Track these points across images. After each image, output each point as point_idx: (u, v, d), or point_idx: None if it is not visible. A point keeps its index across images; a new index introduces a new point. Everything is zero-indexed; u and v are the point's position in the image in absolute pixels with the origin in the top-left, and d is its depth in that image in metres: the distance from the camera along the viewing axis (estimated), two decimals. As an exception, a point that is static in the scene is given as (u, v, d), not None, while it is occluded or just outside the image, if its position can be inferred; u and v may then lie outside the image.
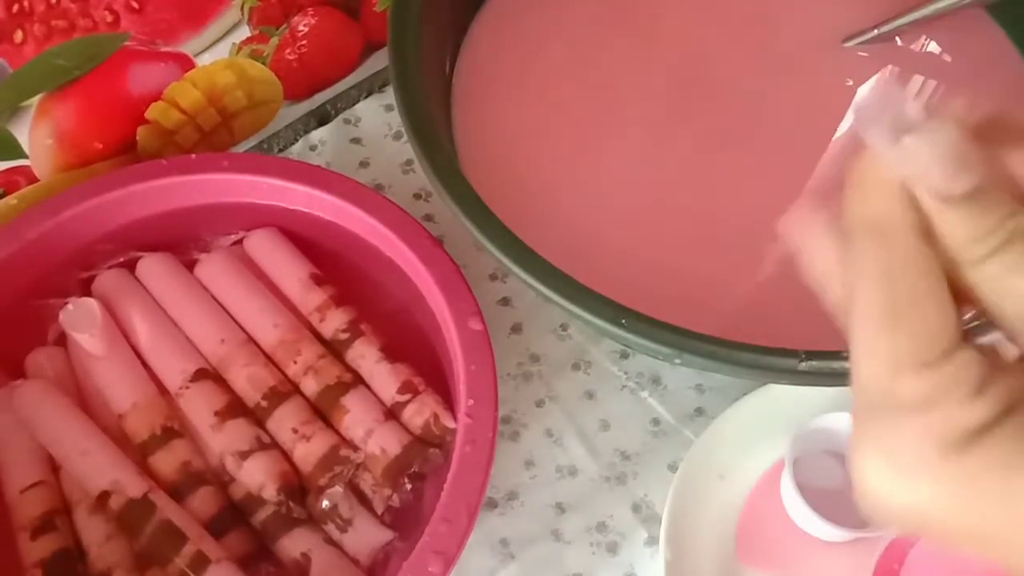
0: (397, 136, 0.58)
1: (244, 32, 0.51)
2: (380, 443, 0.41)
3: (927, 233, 0.18)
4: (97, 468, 0.40)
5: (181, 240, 0.48)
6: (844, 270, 0.18)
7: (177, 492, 0.41)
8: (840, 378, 0.36)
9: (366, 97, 0.60)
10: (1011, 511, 0.16)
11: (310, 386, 0.44)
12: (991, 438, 0.17)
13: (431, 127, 0.42)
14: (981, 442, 0.17)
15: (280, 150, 0.58)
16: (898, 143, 0.17)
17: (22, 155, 0.46)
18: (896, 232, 0.18)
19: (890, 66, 0.52)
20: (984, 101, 0.18)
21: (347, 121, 0.58)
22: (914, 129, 0.17)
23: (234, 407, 0.43)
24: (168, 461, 0.41)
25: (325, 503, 0.41)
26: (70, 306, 0.43)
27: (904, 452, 0.17)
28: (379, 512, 0.41)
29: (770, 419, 0.45)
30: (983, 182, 0.17)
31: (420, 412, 0.42)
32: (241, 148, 0.57)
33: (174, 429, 0.42)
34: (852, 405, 0.19)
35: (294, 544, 0.40)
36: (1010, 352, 0.18)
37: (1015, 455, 0.16)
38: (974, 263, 0.17)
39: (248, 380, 0.43)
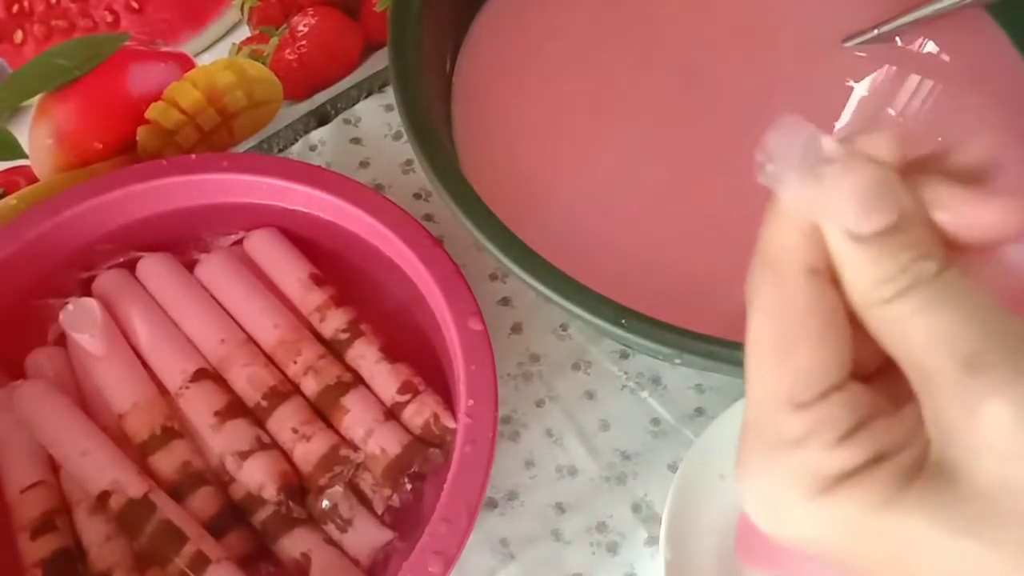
0: (397, 136, 0.58)
1: (244, 32, 0.51)
2: (380, 443, 0.41)
3: (831, 272, 0.18)
4: (97, 468, 0.40)
5: (181, 240, 0.48)
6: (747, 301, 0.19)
7: (177, 492, 0.41)
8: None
9: (366, 97, 0.60)
10: (882, 549, 0.16)
11: (310, 386, 0.44)
12: (853, 484, 0.16)
13: (431, 127, 0.42)
14: (843, 487, 0.16)
15: (280, 150, 0.58)
16: (807, 180, 0.17)
17: (22, 155, 0.46)
18: (789, 271, 0.18)
19: (886, 66, 0.52)
20: (917, 133, 0.18)
21: (347, 121, 0.58)
22: (826, 165, 0.17)
23: (234, 407, 0.43)
24: (168, 461, 0.41)
25: (325, 503, 0.41)
26: (70, 306, 0.43)
27: (775, 488, 0.17)
28: (379, 512, 0.41)
29: None
30: (899, 221, 0.16)
31: (420, 412, 0.42)
32: (241, 148, 0.57)
33: (174, 429, 0.42)
34: (742, 426, 0.19)
35: (294, 544, 0.40)
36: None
37: (876, 503, 0.16)
38: (879, 304, 0.17)
39: (248, 380, 0.43)
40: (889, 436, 0.17)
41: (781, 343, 0.17)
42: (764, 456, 0.18)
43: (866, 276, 0.17)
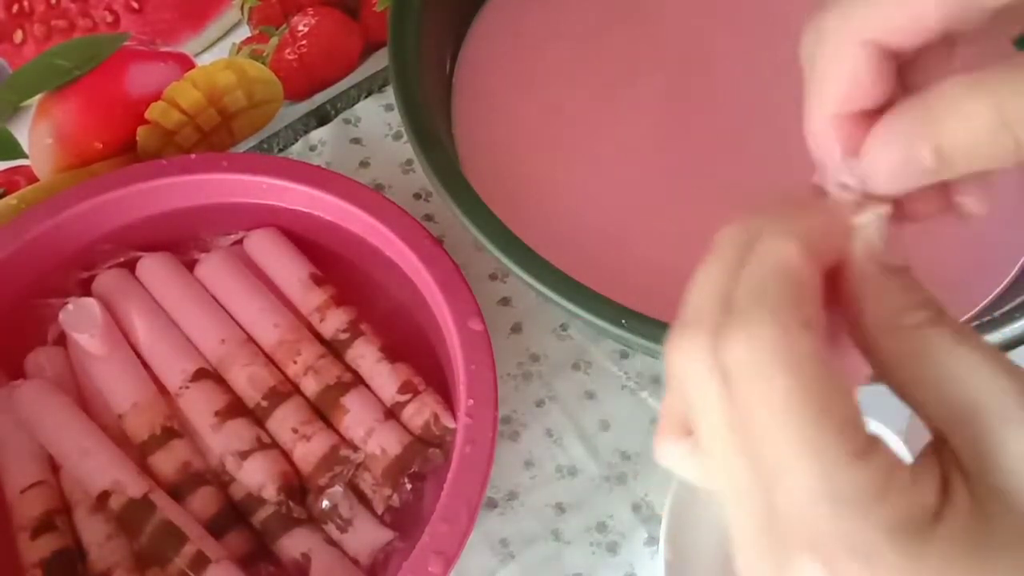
0: (397, 136, 0.58)
1: (244, 32, 0.51)
2: (380, 443, 0.41)
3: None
4: (97, 468, 0.40)
5: (181, 240, 0.48)
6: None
7: (177, 492, 0.41)
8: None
9: (366, 97, 0.60)
10: None
11: (310, 386, 0.44)
12: (944, 519, 0.15)
13: (431, 127, 0.42)
14: (938, 525, 0.15)
15: (280, 150, 0.58)
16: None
17: (22, 155, 0.46)
18: (791, 333, 0.17)
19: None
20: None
21: (347, 121, 0.58)
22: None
23: (234, 407, 0.43)
24: (168, 461, 0.41)
25: (325, 503, 0.41)
26: (70, 306, 0.43)
27: (870, 554, 0.15)
28: (379, 512, 0.41)
29: None
30: (902, 264, 0.17)
31: (420, 412, 0.42)
32: (241, 148, 0.57)
33: (174, 429, 0.42)
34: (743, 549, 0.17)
35: (294, 544, 0.40)
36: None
37: (968, 534, 0.15)
38: (909, 330, 0.17)
39: (248, 380, 0.43)
40: (927, 482, 0.16)
41: (820, 401, 0.16)
42: (830, 531, 0.15)
43: (896, 303, 0.17)
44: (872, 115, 0.18)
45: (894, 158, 0.17)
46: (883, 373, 0.18)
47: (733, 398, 0.16)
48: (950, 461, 0.16)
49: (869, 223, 0.18)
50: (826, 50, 0.19)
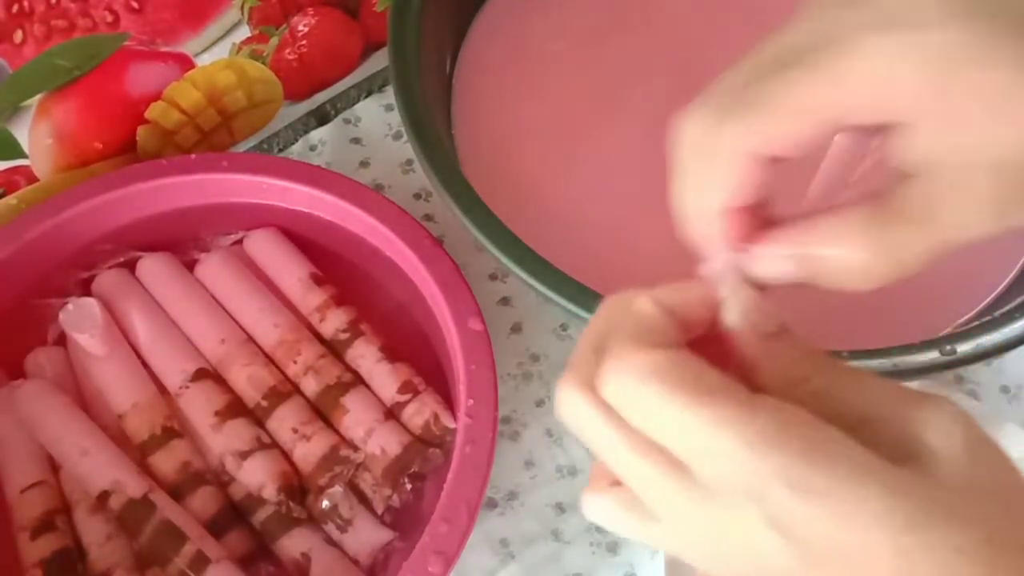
0: (397, 136, 0.58)
1: (244, 32, 0.51)
2: (380, 443, 0.41)
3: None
4: (97, 468, 0.40)
5: (181, 240, 0.48)
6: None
7: (177, 492, 0.41)
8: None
9: (366, 97, 0.60)
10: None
11: (310, 386, 0.44)
12: (854, 457, 0.18)
13: (431, 127, 0.42)
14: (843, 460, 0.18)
15: (280, 150, 0.58)
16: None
17: (22, 155, 0.46)
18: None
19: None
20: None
21: (347, 121, 0.58)
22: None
23: (234, 407, 0.43)
24: (168, 461, 0.41)
25: (325, 503, 0.41)
26: (70, 306, 0.43)
27: (765, 470, 0.18)
28: (379, 512, 0.41)
29: None
30: (784, 326, 0.20)
31: (420, 412, 0.42)
32: (241, 148, 0.57)
33: (174, 429, 0.42)
34: None
35: (294, 544, 0.40)
36: None
37: (880, 472, 0.18)
38: (801, 383, 0.19)
39: (248, 380, 0.43)
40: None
41: (692, 382, 0.19)
42: None
43: (780, 365, 0.19)
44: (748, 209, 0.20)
45: (780, 269, 0.20)
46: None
47: (627, 423, 0.19)
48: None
49: (736, 299, 0.20)
50: (714, 155, 0.20)
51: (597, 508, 0.21)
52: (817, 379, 0.19)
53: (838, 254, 0.19)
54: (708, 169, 0.20)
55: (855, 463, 0.17)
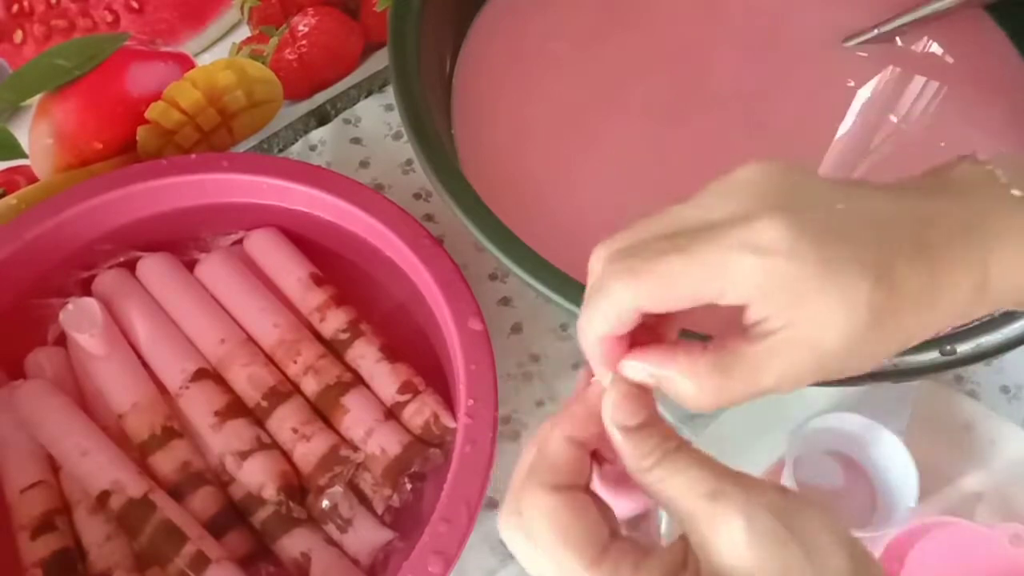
0: (397, 136, 0.58)
1: (244, 32, 0.51)
2: (380, 443, 0.41)
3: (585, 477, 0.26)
4: (97, 468, 0.40)
5: (181, 240, 0.48)
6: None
7: (177, 492, 0.41)
8: (840, 379, 0.36)
9: (366, 97, 0.60)
10: None
11: (310, 386, 0.44)
12: None
13: (431, 127, 0.42)
14: None
15: (280, 150, 0.58)
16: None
17: (22, 155, 0.46)
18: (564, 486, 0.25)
19: (890, 66, 0.52)
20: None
21: (347, 121, 0.58)
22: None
23: (234, 407, 0.43)
24: (168, 461, 0.41)
25: (325, 503, 0.41)
26: (70, 306, 0.43)
27: None
28: (379, 512, 0.41)
29: (770, 419, 0.45)
30: (646, 419, 0.25)
31: (420, 412, 0.42)
32: (241, 148, 0.57)
33: (174, 429, 0.42)
34: None
35: (294, 544, 0.40)
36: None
37: None
38: (647, 471, 0.24)
39: (248, 380, 0.43)
40: (668, 560, 0.23)
41: (564, 535, 0.24)
42: None
43: (632, 454, 0.24)
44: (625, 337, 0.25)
45: (641, 378, 0.26)
46: (648, 494, 0.25)
47: (533, 543, 0.24)
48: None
49: (606, 402, 0.25)
50: (602, 298, 0.24)
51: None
52: (655, 471, 0.24)
53: (681, 384, 0.24)
54: (597, 306, 0.24)
55: None
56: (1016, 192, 0.24)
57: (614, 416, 0.25)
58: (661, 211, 0.25)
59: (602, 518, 0.24)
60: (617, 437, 0.25)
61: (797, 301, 0.22)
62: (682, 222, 0.24)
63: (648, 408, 0.25)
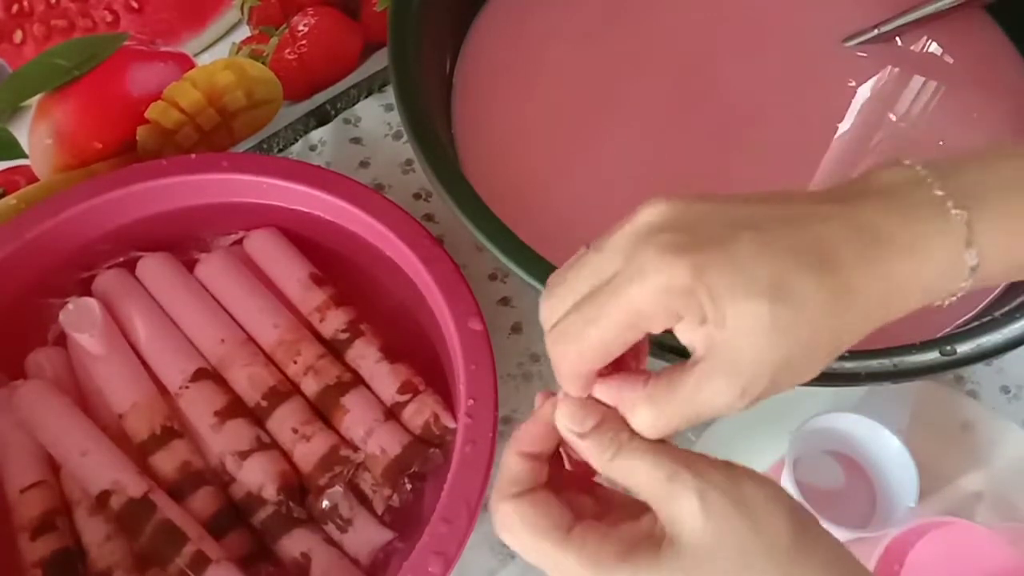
0: (397, 136, 0.58)
1: (244, 32, 0.51)
2: (380, 443, 0.41)
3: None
4: (97, 468, 0.40)
5: (181, 240, 0.48)
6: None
7: (177, 492, 0.41)
8: (840, 378, 0.36)
9: (366, 97, 0.60)
10: None
11: (310, 386, 0.44)
12: (627, 560, 0.25)
13: (431, 127, 0.42)
14: (622, 564, 0.25)
15: (280, 150, 0.58)
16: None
17: (22, 155, 0.46)
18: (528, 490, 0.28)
19: (890, 66, 0.52)
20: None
21: (347, 121, 0.58)
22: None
23: (234, 407, 0.43)
24: (168, 461, 0.41)
25: (325, 503, 0.41)
26: (70, 306, 0.43)
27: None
28: (379, 512, 0.41)
29: (770, 419, 0.45)
30: (600, 421, 0.27)
31: (420, 412, 0.42)
32: (241, 148, 0.57)
33: (174, 429, 0.42)
34: None
35: (294, 544, 0.40)
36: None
37: (647, 564, 0.25)
38: (608, 464, 0.27)
39: (248, 380, 0.43)
40: (634, 532, 0.26)
41: (534, 528, 0.27)
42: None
43: (595, 452, 0.27)
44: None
45: (606, 400, 0.28)
46: (615, 482, 0.27)
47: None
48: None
49: (559, 414, 0.28)
50: (554, 355, 0.27)
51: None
52: (616, 463, 0.26)
53: (636, 412, 0.26)
54: (556, 354, 0.27)
55: (631, 564, 0.25)
56: (939, 192, 0.25)
57: (571, 425, 0.27)
58: (575, 261, 0.28)
59: (564, 508, 0.27)
60: (577, 442, 0.27)
61: (709, 329, 0.24)
62: (594, 276, 0.27)
63: (598, 413, 0.27)
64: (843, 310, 0.24)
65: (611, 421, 0.27)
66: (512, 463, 0.29)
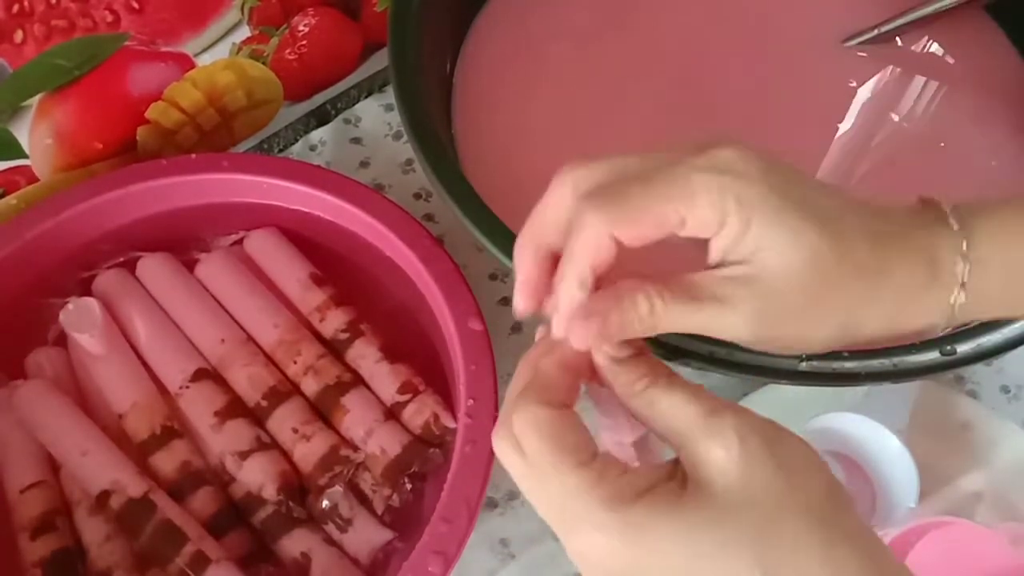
0: (397, 136, 0.58)
1: (244, 32, 0.51)
2: (380, 443, 0.41)
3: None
4: (97, 468, 0.40)
5: (181, 240, 0.48)
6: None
7: (177, 492, 0.41)
8: (840, 378, 0.36)
9: (366, 97, 0.60)
10: (660, 551, 0.24)
11: (310, 386, 0.44)
12: (648, 495, 0.24)
13: (431, 127, 0.42)
14: (639, 501, 0.24)
15: (280, 150, 0.58)
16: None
17: (22, 155, 0.46)
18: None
19: (890, 66, 0.52)
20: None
21: (347, 121, 0.58)
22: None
23: (234, 407, 0.43)
24: (168, 461, 0.41)
25: (325, 503, 0.41)
26: (70, 306, 0.43)
27: (580, 513, 0.24)
28: (379, 512, 0.41)
29: (770, 419, 0.45)
30: (637, 351, 0.27)
31: (420, 412, 0.42)
32: (241, 148, 0.57)
33: (174, 429, 0.42)
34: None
35: (294, 544, 0.40)
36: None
37: (663, 507, 0.24)
38: (635, 396, 0.26)
39: (248, 380, 0.43)
40: (655, 472, 0.25)
41: (555, 440, 0.25)
42: (571, 505, 0.25)
43: (624, 380, 0.26)
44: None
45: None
46: (640, 420, 0.27)
47: (522, 453, 0.26)
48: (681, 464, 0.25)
49: (597, 337, 0.26)
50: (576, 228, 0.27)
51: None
52: (647, 394, 0.26)
53: (646, 303, 0.26)
54: (578, 237, 0.26)
55: (648, 504, 0.24)
56: (955, 225, 0.27)
57: (608, 347, 0.26)
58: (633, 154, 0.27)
59: (591, 438, 0.26)
60: (608, 366, 0.26)
61: (751, 233, 0.24)
62: (649, 162, 0.26)
63: (635, 344, 0.27)
64: (878, 279, 0.25)
65: (649, 357, 0.26)
66: (551, 370, 0.27)
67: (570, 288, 0.27)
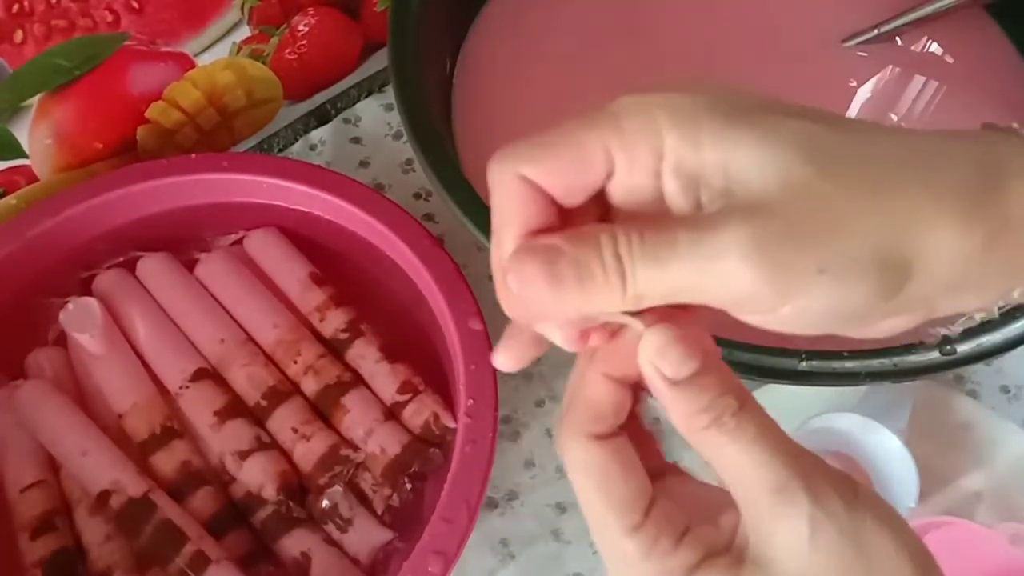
0: (397, 136, 0.58)
1: (244, 32, 0.51)
2: (380, 443, 0.41)
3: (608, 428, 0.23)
4: (97, 468, 0.40)
5: (181, 240, 0.48)
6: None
7: (177, 492, 0.41)
8: (840, 378, 0.36)
9: (366, 97, 0.60)
10: None
11: (310, 386, 0.44)
12: (702, 572, 0.21)
13: (431, 127, 0.42)
14: None
15: (280, 150, 0.58)
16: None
17: (22, 155, 0.46)
18: (582, 441, 0.23)
19: (890, 66, 0.52)
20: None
21: (347, 121, 0.58)
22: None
23: (234, 407, 0.43)
24: (168, 461, 0.41)
25: (325, 503, 0.41)
26: (70, 306, 0.43)
27: None
28: (379, 512, 0.41)
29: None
30: (702, 367, 0.21)
31: (420, 412, 0.42)
32: (241, 148, 0.57)
33: (174, 429, 0.42)
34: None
35: (294, 544, 0.40)
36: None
37: None
38: (700, 431, 0.21)
39: (248, 379, 0.43)
40: (711, 539, 0.22)
41: (603, 492, 0.22)
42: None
43: (684, 411, 0.21)
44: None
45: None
46: (700, 455, 0.22)
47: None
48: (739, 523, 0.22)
49: (648, 347, 0.21)
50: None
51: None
52: (710, 433, 0.21)
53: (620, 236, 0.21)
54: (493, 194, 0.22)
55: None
56: None
57: (661, 364, 0.21)
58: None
59: (644, 475, 0.22)
60: (662, 390, 0.21)
61: (706, 155, 0.19)
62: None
63: (700, 353, 0.21)
64: (877, 203, 0.20)
65: (718, 371, 0.21)
66: (598, 387, 0.23)
67: (503, 260, 0.21)
